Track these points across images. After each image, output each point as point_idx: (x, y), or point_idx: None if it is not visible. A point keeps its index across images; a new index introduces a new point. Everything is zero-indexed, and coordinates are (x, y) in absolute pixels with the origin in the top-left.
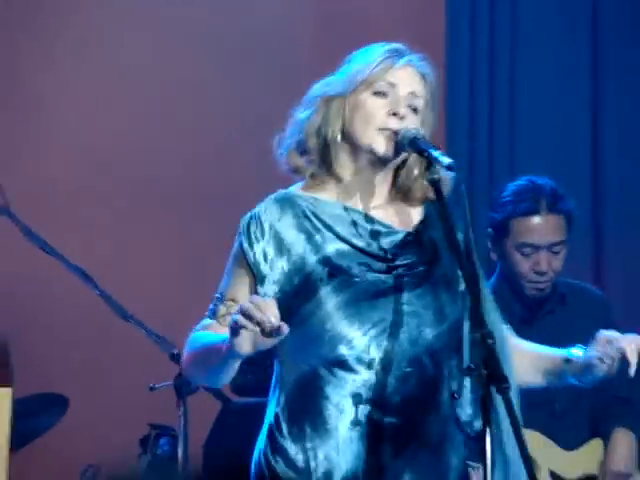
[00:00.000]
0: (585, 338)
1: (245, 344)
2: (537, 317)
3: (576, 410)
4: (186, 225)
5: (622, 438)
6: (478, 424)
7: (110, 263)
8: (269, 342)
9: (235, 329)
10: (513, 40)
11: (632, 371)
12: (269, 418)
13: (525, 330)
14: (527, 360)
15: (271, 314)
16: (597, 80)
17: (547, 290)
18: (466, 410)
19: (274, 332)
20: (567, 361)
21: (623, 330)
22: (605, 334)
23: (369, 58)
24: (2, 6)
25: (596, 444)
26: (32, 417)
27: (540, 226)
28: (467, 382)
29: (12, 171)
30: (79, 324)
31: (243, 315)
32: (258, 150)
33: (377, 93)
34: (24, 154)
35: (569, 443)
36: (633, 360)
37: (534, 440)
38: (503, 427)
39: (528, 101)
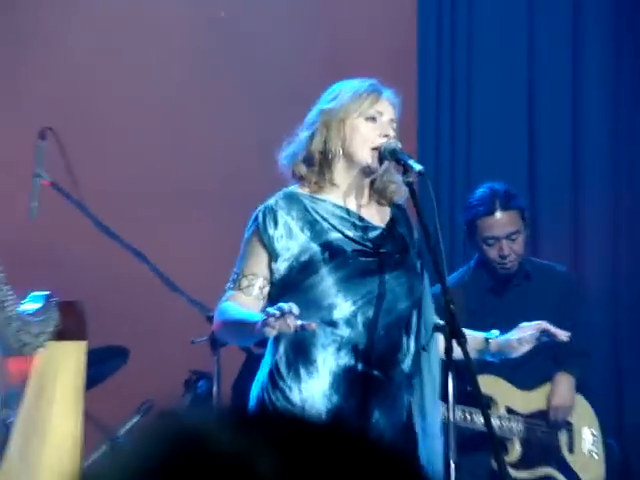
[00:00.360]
0: (547, 307)
1: (272, 332)
2: (506, 290)
3: (534, 361)
4: (215, 221)
5: (562, 379)
6: (415, 380)
7: (161, 247)
8: (292, 332)
9: (265, 324)
10: (469, 45)
11: (564, 337)
12: (268, 364)
13: (497, 301)
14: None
15: (295, 315)
16: (532, 83)
17: (514, 268)
18: (408, 364)
19: (300, 329)
20: (486, 341)
21: (588, 301)
22: (525, 324)
23: (358, 91)
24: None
25: (549, 386)
26: (101, 364)
27: (497, 222)
28: (412, 345)
29: (91, 176)
30: (138, 294)
31: (271, 318)
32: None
33: (369, 119)
34: (98, 160)
35: (526, 385)
36: (558, 332)
37: (495, 383)
38: (433, 373)
39: (480, 103)
